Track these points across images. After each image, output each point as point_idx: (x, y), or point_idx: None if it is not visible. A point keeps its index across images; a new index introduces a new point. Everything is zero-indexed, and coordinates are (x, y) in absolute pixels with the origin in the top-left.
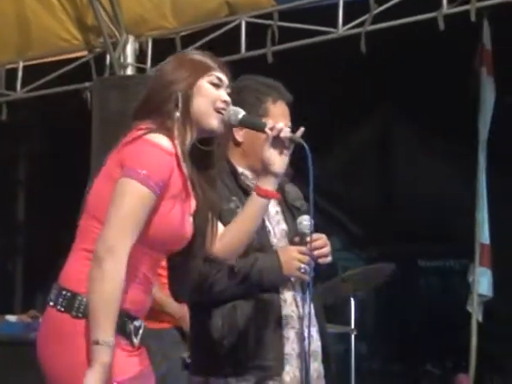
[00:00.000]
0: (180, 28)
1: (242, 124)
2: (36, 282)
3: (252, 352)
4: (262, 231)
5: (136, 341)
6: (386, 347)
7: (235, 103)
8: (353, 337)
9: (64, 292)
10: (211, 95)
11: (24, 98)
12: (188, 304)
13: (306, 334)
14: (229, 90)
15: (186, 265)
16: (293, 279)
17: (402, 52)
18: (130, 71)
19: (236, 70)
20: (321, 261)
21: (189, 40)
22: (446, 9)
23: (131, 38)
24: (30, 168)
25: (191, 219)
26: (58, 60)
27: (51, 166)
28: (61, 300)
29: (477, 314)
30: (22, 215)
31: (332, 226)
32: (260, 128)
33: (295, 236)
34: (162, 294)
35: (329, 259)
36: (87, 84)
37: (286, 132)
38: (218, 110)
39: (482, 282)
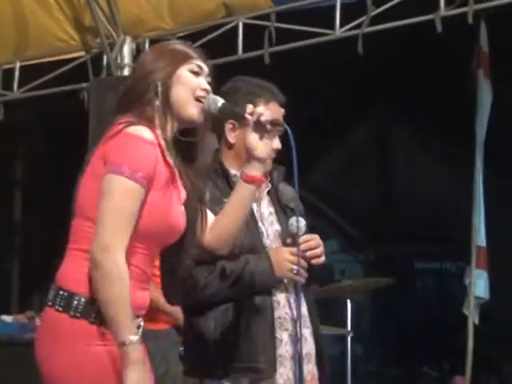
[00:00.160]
0: (177, 29)
1: (222, 112)
2: (33, 282)
3: (245, 354)
4: (254, 232)
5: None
6: (383, 349)
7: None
8: (349, 339)
9: (62, 292)
10: (191, 83)
11: (21, 98)
12: (181, 307)
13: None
14: (209, 79)
15: (178, 256)
16: (286, 281)
17: (399, 54)
18: (126, 72)
19: (233, 71)
20: (314, 261)
21: (186, 41)
22: (443, 11)
23: (128, 39)
24: (27, 168)
25: (183, 208)
26: (55, 60)
27: (48, 166)
28: (59, 300)
29: (473, 317)
30: (18, 215)
31: (329, 228)
32: (240, 114)
33: (287, 237)
34: (158, 293)
35: (322, 260)
36: (84, 84)
37: (266, 115)
38: (197, 99)
39: (479, 284)
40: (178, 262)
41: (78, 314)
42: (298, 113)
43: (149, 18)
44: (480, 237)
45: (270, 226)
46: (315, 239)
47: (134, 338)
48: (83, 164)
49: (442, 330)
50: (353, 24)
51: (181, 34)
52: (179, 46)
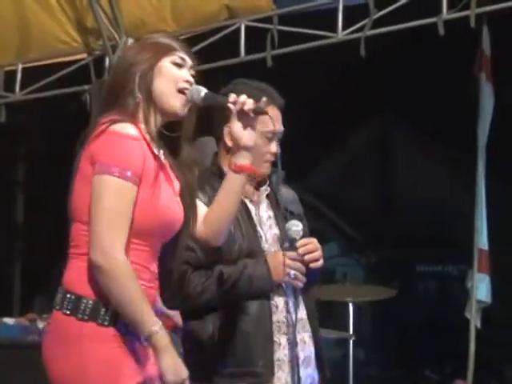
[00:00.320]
0: (179, 31)
1: (206, 101)
2: (34, 284)
3: (243, 358)
4: (252, 236)
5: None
6: (385, 353)
7: None
8: (351, 342)
9: (69, 295)
10: (173, 75)
11: (23, 100)
12: (180, 311)
13: (297, 340)
14: (193, 72)
15: (173, 250)
16: (284, 285)
17: (401, 57)
18: None
19: (235, 74)
20: (312, 265)
21: (188, 43)
22: (445, 14)
23: (131, 41)
24: (29, 170)
25: (179, 199)
26: (58, 62)
27: (50, 168)
28: (66, 303)
29: (475, 320)
30: (20, 217)
31: (331, 231)
32: (223, 103)
33: (285, 241)
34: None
35: (320, 263)
36: (86, 86)
37: (249, 104)
38: (180, 91)
39: (481, 288)
40: (173, 256)
41: (86, 317)
42: (299, 115)
43: (151, 21)
44: (482, 240)
45: (268, 229)
46: (313, 243)
47: (157, 327)
48: (73, 168)
49: (444, 334)
50: (355, 27)
51: (183, 37)
52: (162, 39)
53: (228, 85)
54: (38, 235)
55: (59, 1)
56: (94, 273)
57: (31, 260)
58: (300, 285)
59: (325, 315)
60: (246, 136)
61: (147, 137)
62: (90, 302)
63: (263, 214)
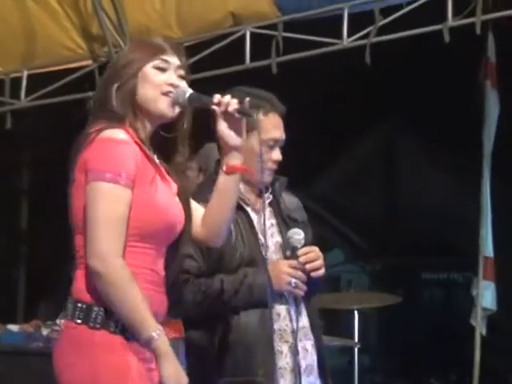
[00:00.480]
0: (185, 38)
1: (191, 102)
2: (39, 290)
3: (243, 367)
4: (254, 244)
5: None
6: (390, 360)
7: None
8: (356, 350)
9: (79, 304)
10: (156, 81)
11: (28, 106)
12: (182, 320)
13: (299, 348)
14: (181, 71)
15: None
16: (286, 293)
17: (406, 64)
18: None
19: (240, 81)
20: (313, 274)
21: (193, 50)
22: (451, 21)
23: None
24: (34, 176)
25: (178, 200)
26: (63, 69)
27: (55, 175)
28: (77, 313)
29: (480, 328)
30: (25, 223)
31: (336, 238)
32: (207, 104)
33: (287, 249)
34: None
35: (321, 272)
36: (91, 93)
37: (233, 105)
38: (165, 94)
39: (486, 295)
40: (173, 264)
41: (98, 325)
42: (305, 122)
43: (156, 27)
44: (487, 247)
45: (270, 237)
46: (315, 251)
47: (156, 332)
48: (69, 181)
49: (449, 341)
50: (360, 34)
51: (188, 43)
52: (146, 41)
53: (228, 92)
54: (43, 242)
55: (64, 7)
56: (92, 279)
57: (36, 266)
58: (301, 293)
59: (330, 323)
60: (232, 136)
61: (138, 141)
62: (102, 309)
63: (266, 221)
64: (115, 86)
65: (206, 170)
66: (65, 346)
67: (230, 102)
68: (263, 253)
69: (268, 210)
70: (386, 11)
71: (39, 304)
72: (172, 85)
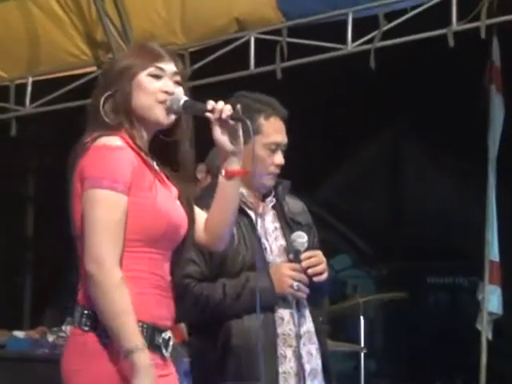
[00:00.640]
0: (189, 44)
1: (185, 110)
2: (45, 297)
3: (246, 372)
4: (257, 248)
5: (167, 353)
6: (396, 365)
7: None
8: (362, 355)
9: (87, 311)
10: (150, 89)
11: (33, 113)
12: (185, 324)
13: (303, 352)
14: (177, 78)
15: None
16: (290, 297)
17: (411, 68)
18: None
19: (245, 86)
20: (315, 279)
21: (198, 56)
22: (455, 25)
23: None
24: (39, 183)
25: (179, 203)
26: (67, 75)
27: (60, 181)
28: (85, 320)
29: (486, 332)
30: (30, 230)
31: (341, 243)
32: (201, 112)
33: (290, 253)
34: None
35: (324, 277)
36: None
37: (225, 111)
38: (160, 102)
39: (492, 299)
40: (175, 269)
41: (105, 333)
42: (309, 127)
43: (161, 33)
44: (493, 252)
45: (274, 241)
46: (318, 256)
47: (137, 344)
48: (69, 190)
49: (455, 346)
50: (365, 39)
51: (193, 49)
52: (142, 49)
53: (231, 98)
54: (49, 248)
55: (69, 14)
56: (87, 283)
57: (41, 273)
58: (303, 296)
59: (336, 328)
60: (229, 142)
61: (135, 147)
62: None
63: (269, 225)
64: (106, 94)
65: (212, 173)
66: (71, 352)
67: (223, 108)
68: (266, 256)
69: (271, 214)
70: (391, 16)
71: (45, 310)
72: (167, 92)
